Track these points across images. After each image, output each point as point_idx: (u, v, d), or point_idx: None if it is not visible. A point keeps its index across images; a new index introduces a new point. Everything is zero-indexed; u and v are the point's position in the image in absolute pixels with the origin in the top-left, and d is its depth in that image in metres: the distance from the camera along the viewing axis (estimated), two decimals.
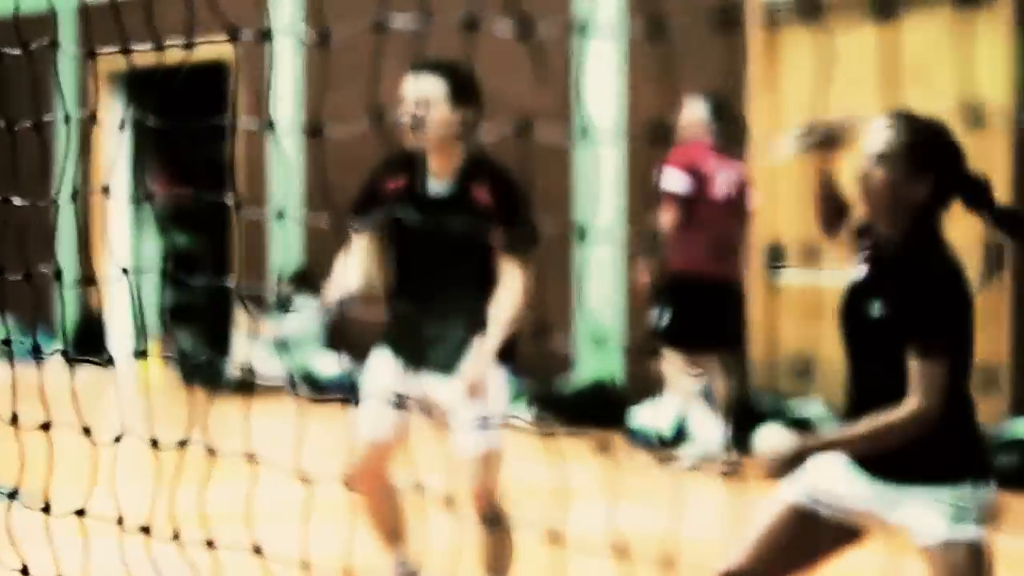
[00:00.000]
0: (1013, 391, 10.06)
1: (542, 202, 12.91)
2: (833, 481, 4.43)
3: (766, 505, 4.51)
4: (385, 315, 5.75)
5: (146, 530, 4.80)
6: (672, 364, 10.39)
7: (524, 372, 12.76)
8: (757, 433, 4.27)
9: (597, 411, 12.04)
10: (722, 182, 10.34)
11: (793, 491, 4.50)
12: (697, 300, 10.43)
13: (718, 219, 10.28)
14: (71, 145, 17.21)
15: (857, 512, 4.41)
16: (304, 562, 4.29)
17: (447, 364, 5.81)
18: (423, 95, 5.61)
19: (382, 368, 5.94)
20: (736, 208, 10.37)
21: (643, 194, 11.39)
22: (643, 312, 11.45)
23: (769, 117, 11.36)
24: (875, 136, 4.33)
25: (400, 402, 5.85)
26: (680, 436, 10.67)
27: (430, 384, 5.87)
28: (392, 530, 6.13)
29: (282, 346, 14.75)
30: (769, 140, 11.31)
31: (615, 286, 12.30)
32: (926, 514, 4.28)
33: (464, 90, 5.68)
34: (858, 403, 4.37)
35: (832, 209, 4.63)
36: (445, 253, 5.71)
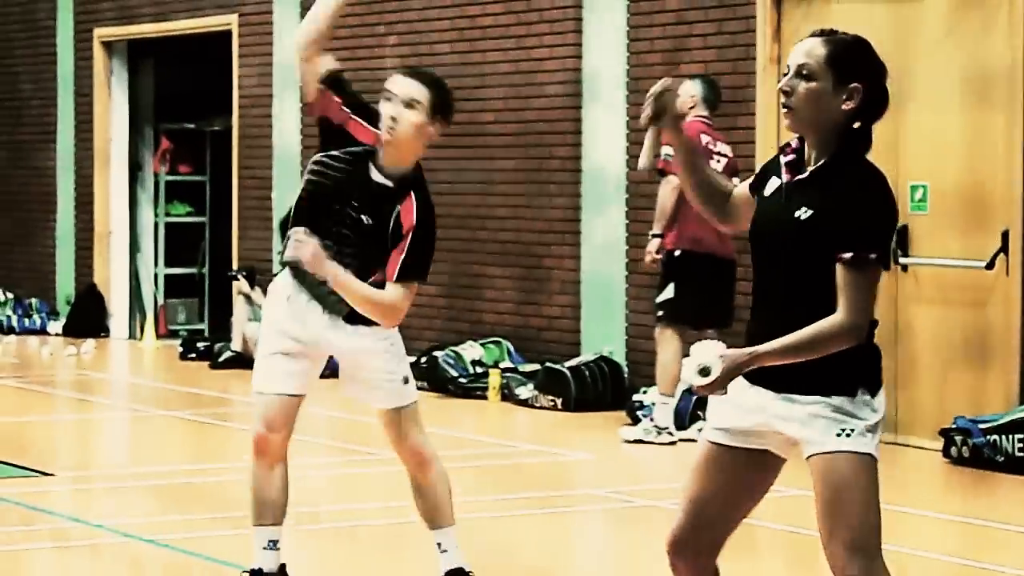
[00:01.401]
0: (1022, 375, 9.93)
1: (552, 164, 12.80)
2: (730, 401, 4.39)
3: (691, 461, 4.51)
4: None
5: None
6: (668, 346, 10.41)
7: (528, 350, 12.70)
8: (692, 350, 4.25)
9: (601, 389, 11.95)
10: (717, 159, 10.41)
11: (705, 430, 4.50)
12: (699, 277, 10.42)
13: None
14: (71, 115, 17.08)
15: (757, 429, 4.38)
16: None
17: (341, 307, 5.97)
18: (410, 96, 5.87)
19: (277, 320, 6.07)
20: None
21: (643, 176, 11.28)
22: (647, 287, 11.39)
23: (775, 92, 11.25)
24: (798, 51, 4.33)
25: (298, 353, 6.03)
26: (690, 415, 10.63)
27: (331, 332, 6.07)
28: (274, 505, 6.02)
29: None
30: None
31: (620, 259, 12.21)
32: (813, 425, 4.26)
33: (444, 105, 5.95)
34: (765, 307, 4.37)
35: (706, 184, 4.58)
36: (352, 222, 5.90)
